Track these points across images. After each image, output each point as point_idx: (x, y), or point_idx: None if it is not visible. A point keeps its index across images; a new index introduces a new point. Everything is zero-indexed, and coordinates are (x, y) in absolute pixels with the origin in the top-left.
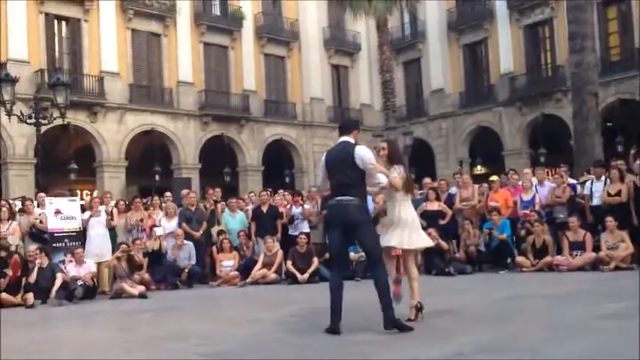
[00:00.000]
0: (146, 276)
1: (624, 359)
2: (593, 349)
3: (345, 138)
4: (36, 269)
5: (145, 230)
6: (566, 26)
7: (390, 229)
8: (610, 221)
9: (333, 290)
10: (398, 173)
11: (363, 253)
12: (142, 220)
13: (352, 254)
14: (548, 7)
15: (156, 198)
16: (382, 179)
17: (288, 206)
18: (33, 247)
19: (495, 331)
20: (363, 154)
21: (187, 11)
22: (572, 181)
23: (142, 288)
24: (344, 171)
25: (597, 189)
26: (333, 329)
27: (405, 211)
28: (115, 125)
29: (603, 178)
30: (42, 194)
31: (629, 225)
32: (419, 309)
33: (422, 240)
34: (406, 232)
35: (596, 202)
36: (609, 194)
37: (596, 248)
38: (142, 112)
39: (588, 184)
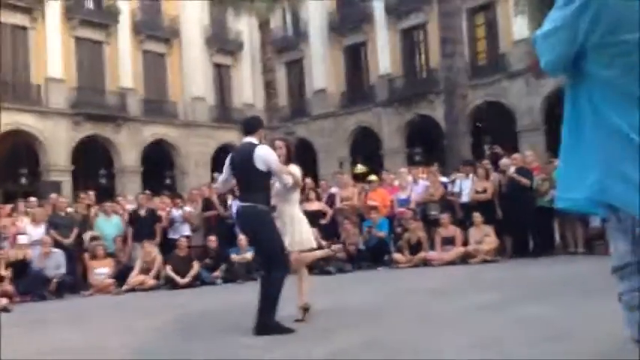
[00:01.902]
0: (9, 288)
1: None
2: (465, 339)
3: (248, 138)
4: None
5: (9, 239)
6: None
7: (287, 231)
8: (477, 217)
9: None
10: (298, 172)
11: (245, 255)
12: (4, 227)
13: (233, 255)
14: (422, 12)
15: (21, 203)
16: (288, 180)
17: (168, 209)
18: None
19: (375, 327)
20: (264, 154)
21: (57, 4)
22: (444, 179)
23: (4, 301)
24: (245, 173)
25: (466, 186)
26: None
27: (298, 211)
28: None
29: (471, 176)
30: None
31: (494, 220)
32: (306, 309)
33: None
34: (297, 232)
35: (464, 199)
36: (477, 192)
37: (466, 243)
38: (7, 111)
39: (458, 181)
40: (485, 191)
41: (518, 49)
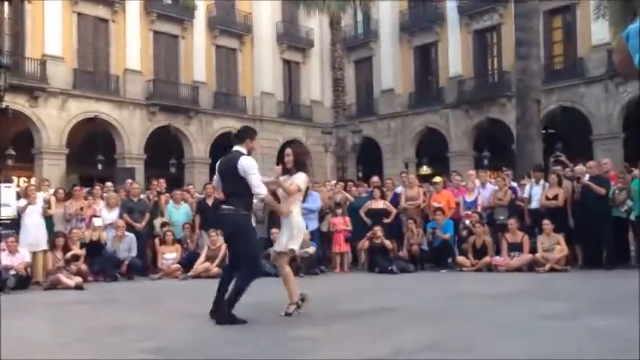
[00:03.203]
0: (83, 267)
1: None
2: (529, 349)
3: (237, 147)
4: None
5: (85, 220)
6: (513, 33)
7: (283, 233)
8: (547, 224)
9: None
10: (302, 180)
11: (307, 250)
12: (81, 209)
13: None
14: (497, 13)
15: (97, 187)
16: (259, 190)
17: None
18: None
19: (434, 330)
20: (244, 164)
21: None
22: (514, 184)
23: (78, 279)
24: (229, 180)
25: (536, 193)
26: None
27: (294, 214)
28: (56, 111)
29: (542, 182)
30: None
31: (565, 228)
32: (299, 306)
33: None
34: (286, 236)
35: (534, 205)
36: (547, 198)
37: (534, 250)
38: (86, 99)
39: (527, 187)
40: (556, 198)
41: (597, 54)
